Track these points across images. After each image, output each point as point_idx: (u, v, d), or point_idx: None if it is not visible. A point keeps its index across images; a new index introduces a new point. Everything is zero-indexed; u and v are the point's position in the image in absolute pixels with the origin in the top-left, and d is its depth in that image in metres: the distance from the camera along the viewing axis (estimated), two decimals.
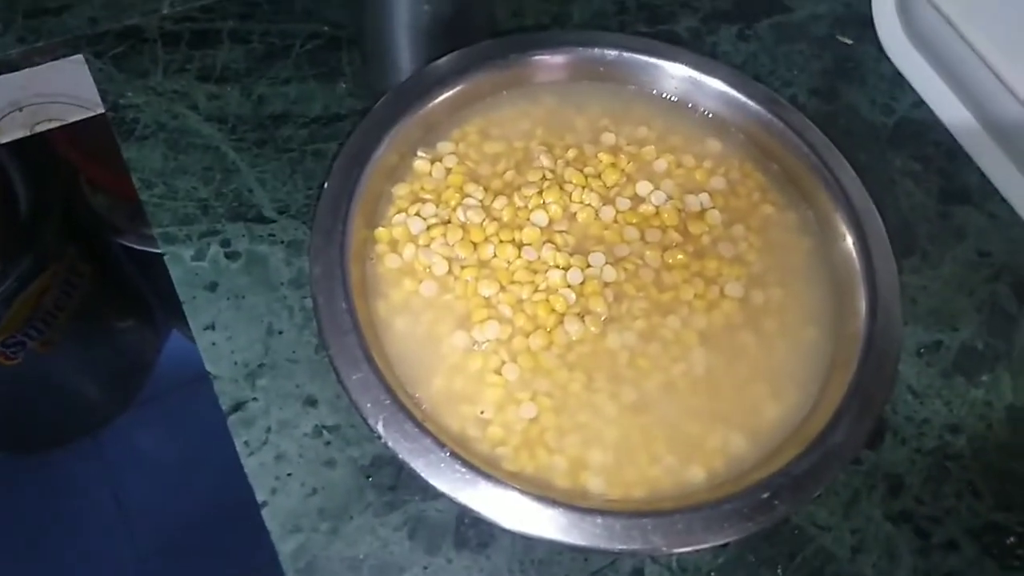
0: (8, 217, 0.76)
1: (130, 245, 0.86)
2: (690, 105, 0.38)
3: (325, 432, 0.35)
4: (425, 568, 0.33)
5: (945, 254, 0.43)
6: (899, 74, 0.49)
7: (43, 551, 0.94)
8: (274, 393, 0.36)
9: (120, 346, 1.00)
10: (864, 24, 0.50)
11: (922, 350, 0.40)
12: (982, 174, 0.46)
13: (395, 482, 0.34)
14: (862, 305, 0.32)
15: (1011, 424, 0.38)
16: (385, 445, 0.28)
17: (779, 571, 0.34)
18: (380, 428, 0.28)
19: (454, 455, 0.28)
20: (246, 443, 0.35)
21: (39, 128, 0.52)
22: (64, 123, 0.51)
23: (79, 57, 0.45)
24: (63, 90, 0.48)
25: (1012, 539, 0.36)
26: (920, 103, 0.48)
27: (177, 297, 0.39)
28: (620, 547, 0.26)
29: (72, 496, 0.98)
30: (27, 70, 0.45)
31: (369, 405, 0.28)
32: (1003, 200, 0.45)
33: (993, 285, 0.42)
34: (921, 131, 0.47)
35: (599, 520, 0.27)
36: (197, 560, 0.95)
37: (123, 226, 0.85)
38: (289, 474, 0.34)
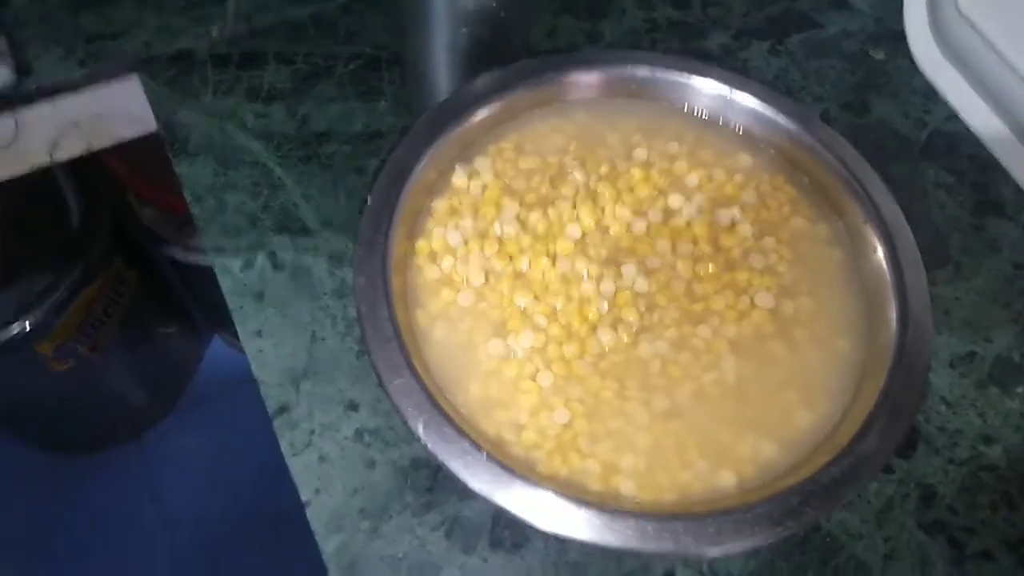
0: (60, 229, 0.79)
1: (175, 256, 0.89)
2: (721, 121, 0.39)
3: (366, 435, 0.36)
4: (461, 567, 0.34)
5: (979, 266, 0.43)
6: (932, 88, 0.49)
7: (85, 549, 0.97)
8: (317, 397, 0.37)
9: (164, 352, 1.04)
10: (896, 39, 0.51)
11: (955, 361, 0.40)
12: (1017, 187, 0.46)
13: (432, 484, 0.35)
14: (892, 316, 0.32)
15: None
16: (425, 447, 0.30)
17: None
18: (420, 431, 0.29)
19: (491, 457, 0.29)
20: (291, 444, 0.36)
21: (95, 146, 0.54)
22: (118, 140, 0.54)
23: (134, 79, 0.47)
24: (118, 110, 0.51)
25: None
26: (953, 116, 0.48)
27: (219, 305, 0.41)
28: (652, 548, 0.27)
29: (115, 497, 1.01)
30: (86, 91, 0.48)
31: (410, 409, 0.30)
32: None
33: None
34: (954, 144, 0.47)
35: (632, 522, 0.28)
36: (236, 561, 0.97)
37: (168, 238, 0.88)
38: (331, 475, 0.35)
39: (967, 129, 0.48)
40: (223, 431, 1.06)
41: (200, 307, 1.07)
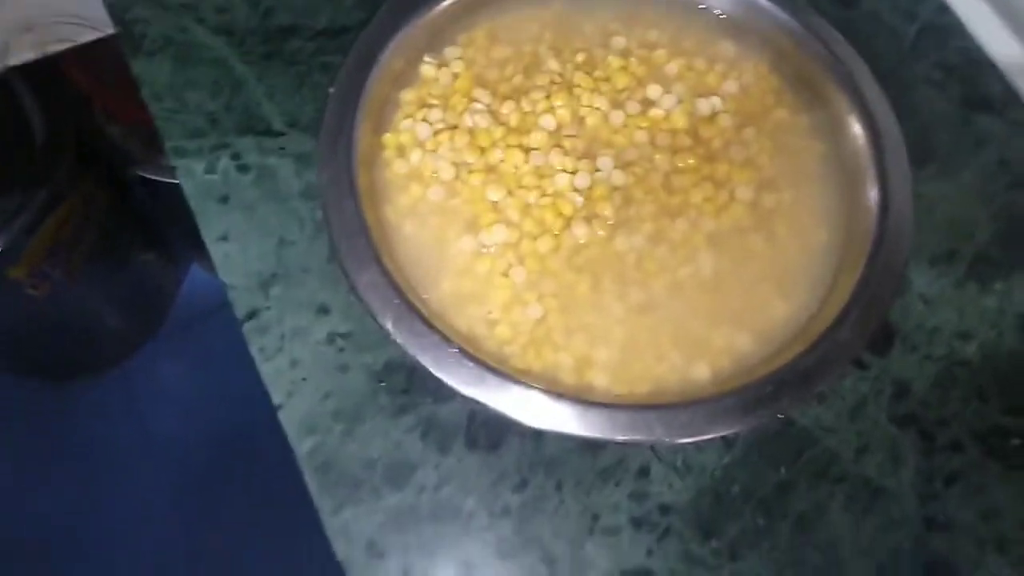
0: (24, 148, 0.76)
1: (147, 175, 0.87)
2: (703, 6, 0.37)
3: (338, 339, 0.36)
4: (436, 467, 0.34)
5: (965, 162, 0.42)
6: None
7: (70, 476, 0.98)
8: (287, 301, 0.36)
9: (142, 278, 1.02)
10: None
11: (935, 259, 0.39)
12: (1006, 82, 0.44)
13: (407, 386, 0.35)
14: (873, 202, 0.32)
15: (1022, 331, 0.38)
16: (395, 343, 0.29)
17: (782, 470, 0.34)
18: (390, 326, 0.29)
19: (463, 352, 0.28)
20: (261, 349, 0.35)
21: (50, 49, 0.52)
22: (75, 44, 0.51)
23: None
24: (72, 9, 0.48)
25: (1017, 441, 0.36)
26: (944, 8, 0.46)
27: (194, 228, 0.39)
28: (624, 438, 0.27)
29: (99, 424, 1.01)
30: None
31: (379, 304, 0.29)
32: None
33: (1012, 193, 0.41)
34: (944, 38, 0.46)
35: (604, 412, 0.28)
36: (221, 485, 0.99)
37: (139, 155, 0.85)
38: (304, 379, 0.35)
39: (958, 21, 0.46)
40: (205, 357, 1.06)
41: (177, 231, 1.05)
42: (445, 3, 0.35)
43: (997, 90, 0.44)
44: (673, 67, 0.35)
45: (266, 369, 0.35)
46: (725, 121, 0.35)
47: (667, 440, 0.27)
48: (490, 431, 0.34)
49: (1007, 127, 0.43)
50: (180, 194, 0.42)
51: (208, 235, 0.38)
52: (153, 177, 0.86)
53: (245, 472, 0.97)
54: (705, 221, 0.33)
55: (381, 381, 0.35)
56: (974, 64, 0.45)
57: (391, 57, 0.33)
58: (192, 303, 1.10)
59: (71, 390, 1.02)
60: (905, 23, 0.46)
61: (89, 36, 0.51)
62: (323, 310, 0.36)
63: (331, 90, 0.33)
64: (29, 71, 0.55)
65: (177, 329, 1.08)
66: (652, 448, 0.34)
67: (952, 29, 0.46)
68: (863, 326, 0.29)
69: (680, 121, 0.34)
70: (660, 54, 0.36)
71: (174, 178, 0.89)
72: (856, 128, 0.33)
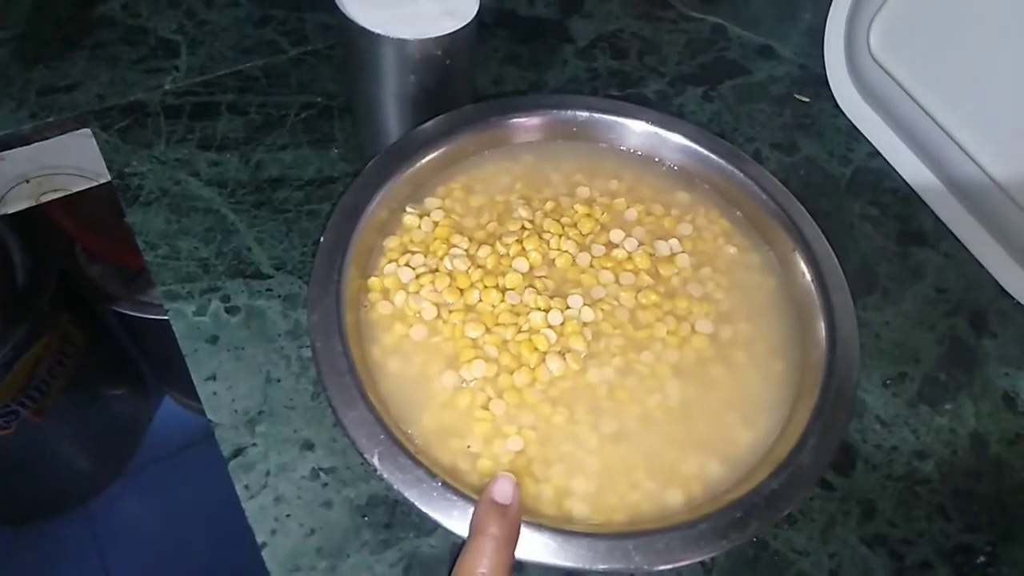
0: (5, 287, 0.77)
1: (123, 312, 0.88)
2: (657, 159, 0.41)
3: (322, 474, 0.36)
4: None
5: (905, 292, 0.46)
6: (854, 127, 0.53)
7: None
8: (273, 438, 0.37)
9: (112, 414, 1.01)
10: (819, 83, 0.54)
11: (888, 382, 0.42)
12: (936, 217, 0.49)
13: (390, 520, 0.35)
14: (822, 336, 0.34)
15: (975, 449, 0.40)
16: (380, 478, 0.30)
17: None
18: (375, 461, 0.30)
19: (446, 485, 0.29)
20: (246, 487, 0.36)
21: (44, 198, 0.54)
22: (67, 192, 0.54)
23: (86, 131, 0.48)
24: (70, 162, 0.51)
25: (982, 559, 0.37)
26: (875, 153, 0.52)
27: (169, 362, 0.41)
28: (604, 567, 0.28)
29: (62, 568, 0.97)
30: (37, 144, 0.48)
31: (365, 440, 0.30)
32: (956, 240, 0.48)
33: (952, 319, 0.45)
34: (877, 179, 0.51)
35: (584, 542, 0.28)
36: None
37: (117, 293, 0.87)
38: (288, 515, 0.35)
39: (888, 165, 0.51)
40: (172, 495, 1.03)
41: (150, 365, 1.05)
42: (425, 159, 0.38)
43: (929, 225, 0.49)
44: (633, 213, 0.39)
45: (250, 507, 0.36)
46: (683, 260, 0.38)
47: (646, 567, 0.28)
48: None
49: (941, 258, 0.47)
50: (157, 328, 0.43)
51: (197, 375, 0.39)
52: (128, 313, 0.87)
53: None
54: (669, 353, 0.35)
55: (364, 516, 0.36)
56: (906, 201, 0.50)
57: (376, 208, 0.36)
58: (162, 438, 1.08)
59: (32, 531, 0.98)
60: (840, 167, 0.51)
61: (83, 186, 0.54)
62: (307, 446, 0.37)
63: (321, 240, 0.35)
64: (16, 214, 0.57)
65: (145, 465, 1.05)
66: None
67: (883, 171, 0.51)
68: (823, 449, 0.31)
69: (642, 261, 0.37)
70: (620, 202, 0.39)
71: (149, 314, 0.89)
72: (801, 266, 0.37)
